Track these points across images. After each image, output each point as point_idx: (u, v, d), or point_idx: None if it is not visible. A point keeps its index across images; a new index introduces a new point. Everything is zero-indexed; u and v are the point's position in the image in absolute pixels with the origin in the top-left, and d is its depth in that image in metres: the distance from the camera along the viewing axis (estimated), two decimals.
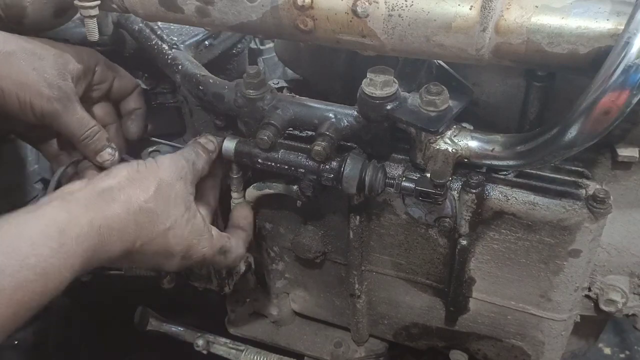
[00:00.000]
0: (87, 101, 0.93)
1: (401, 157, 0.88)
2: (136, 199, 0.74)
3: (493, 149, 0.78)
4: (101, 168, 0.93)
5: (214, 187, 0.94)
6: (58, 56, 0.87)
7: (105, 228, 0.69)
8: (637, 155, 0.82)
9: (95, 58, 0.93)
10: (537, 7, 0.64)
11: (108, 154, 0.93)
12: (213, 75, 0.95)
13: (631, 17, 0.58)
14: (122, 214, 0.71)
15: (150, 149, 0.96)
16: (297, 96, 0.91)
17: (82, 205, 0.68)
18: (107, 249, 0.70)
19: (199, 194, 0.89)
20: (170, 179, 0.79)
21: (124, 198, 0.73)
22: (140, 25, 1.04)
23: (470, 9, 0.64)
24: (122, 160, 0.93)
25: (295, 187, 0.92)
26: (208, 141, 0.90)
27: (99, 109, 0.98)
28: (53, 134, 0.97)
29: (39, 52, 0.85)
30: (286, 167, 0.87)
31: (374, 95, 0.78)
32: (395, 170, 0.87)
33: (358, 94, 0.80)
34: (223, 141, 0.91)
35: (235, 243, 0.93)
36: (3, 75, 0.83)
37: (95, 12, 0.81)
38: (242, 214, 0.99)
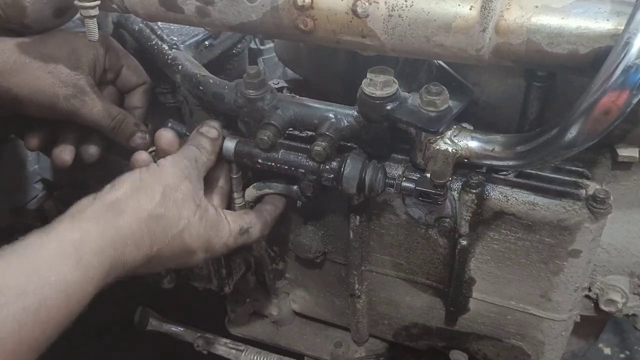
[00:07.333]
0: (99, 85, 0.94)
1: (401, 157, 0.88)
2: (144, 207, 0.74)
3: (493, 149, 0.78)
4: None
5: (224, 169, 0.94)
6: (71, 53, 0.88)
7: (118, 239, 0.69)
8: (637, 156, 0.82)
9: (105, 44, 0.94)
10: (537, 7, 0.64)
11: (139, 138, 0.95)
12: (213, 75, 0.95)
13: (631, 17, 0.58)
14: (133, 223, 0.72)
15: (170, 123, 0.95)
16: (297, 96, 0.91)
17: (92, 221, 0.69)
18: (126, 259, 0.70)
19: (209, 181, 0.89)
20: (175, 182, 0.79)
21: (132, 208, 0.73)
22: (140, 25, 1.04)
23: (470, 9, 0.64)
24: (170, 128, 0.92)
25: (295, 187, 0.92)
26: (210, 128, 0.89)
27: (107, 93, 0.98)
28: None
29: (53, 53, 0.86)
30: (286, 167, 0.87)
31: (374, 95, 0.78)
32: (395, 170, 0.87)
33: (358, 94, 0.80)
34: (224, 140, 0.90)
35: (255, 216, 0.92)
36: (20, 85, 0.86)
37: (95, 12, 0.81)
38: (272, 197, 0.97)
